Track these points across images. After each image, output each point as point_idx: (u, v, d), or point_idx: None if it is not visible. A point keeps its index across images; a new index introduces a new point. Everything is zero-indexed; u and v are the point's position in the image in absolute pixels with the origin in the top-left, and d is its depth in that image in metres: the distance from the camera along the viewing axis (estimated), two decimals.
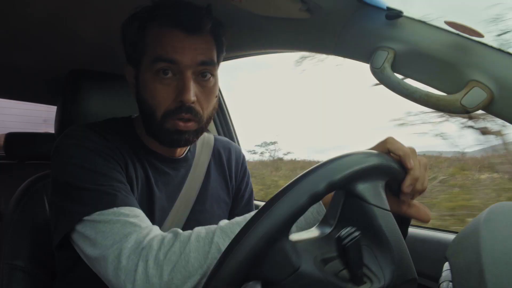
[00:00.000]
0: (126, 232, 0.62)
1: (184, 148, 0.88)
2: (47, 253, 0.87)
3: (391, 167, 0.51)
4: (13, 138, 2.06)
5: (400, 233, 0.48)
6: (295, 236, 0.45)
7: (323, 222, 0.50)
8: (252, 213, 0.54)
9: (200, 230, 0.63)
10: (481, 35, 0.62)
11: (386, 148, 0.57)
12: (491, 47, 0.64)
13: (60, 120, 0.94)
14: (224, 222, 0.64)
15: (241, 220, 0.64)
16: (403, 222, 0.58)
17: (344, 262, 0.44)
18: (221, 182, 0.95)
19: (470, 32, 0.63)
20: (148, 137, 0.82)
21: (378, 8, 0.76)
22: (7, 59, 1.42)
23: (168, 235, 0.63)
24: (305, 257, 0.42)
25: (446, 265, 0.47)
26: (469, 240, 0.44)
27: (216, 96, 0.82)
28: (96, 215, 0.64)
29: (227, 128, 1.62)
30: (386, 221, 0.47)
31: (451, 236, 0.94)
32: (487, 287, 0.37)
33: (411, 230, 0.85)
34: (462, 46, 0.66)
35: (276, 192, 0.42)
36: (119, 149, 0.76)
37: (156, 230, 0.65)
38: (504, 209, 0.46)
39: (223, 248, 0.59)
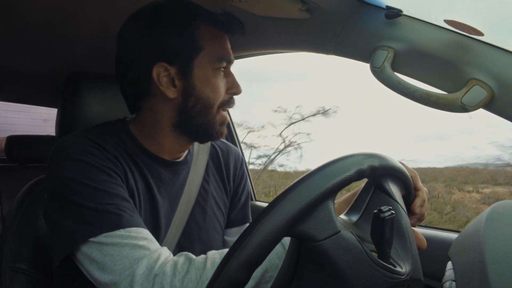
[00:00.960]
0: (136, 257, 0.61)
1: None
2: (49, 256, 0.87)
3: (409, 179, 0.58)
4: (14, 140, 2.06)
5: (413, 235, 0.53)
6: None
7: (349, 213, 0.54)
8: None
9: (214, 255, 0.62)
10: (481, 34, 0.62)
11: None
12: (491, 45, 0.64)
13: (61, 122, 0.94)
14: None
15: None
16: None
17: (375, 239, 0.46)
18: (219, 183, 0.94)
19: (470, 31, 0.62)
20: (149, 140, 0.80)
21: (378, 8, 0.76)
22: (7, 62, 1.43)
23: (180, 260, 0.62)
24: (344, 227, 0.44)
25: (449, 264, 0.47)
26: (472, 239, 0.44)
27: None
28: (103, 237, 0.63)
29: (229, 131, 1.62)
30: (406, 220, 0.52)
31: (454, 235, 0.94)
32: (490, 286, 0.37)
33: (414, 229, 0.85)
34: (462, 44, 0.66)
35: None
36: (118, 159, 0.73)
37: (165, 252, 0.64)
38: (506, 208, 0.46)
39: None
